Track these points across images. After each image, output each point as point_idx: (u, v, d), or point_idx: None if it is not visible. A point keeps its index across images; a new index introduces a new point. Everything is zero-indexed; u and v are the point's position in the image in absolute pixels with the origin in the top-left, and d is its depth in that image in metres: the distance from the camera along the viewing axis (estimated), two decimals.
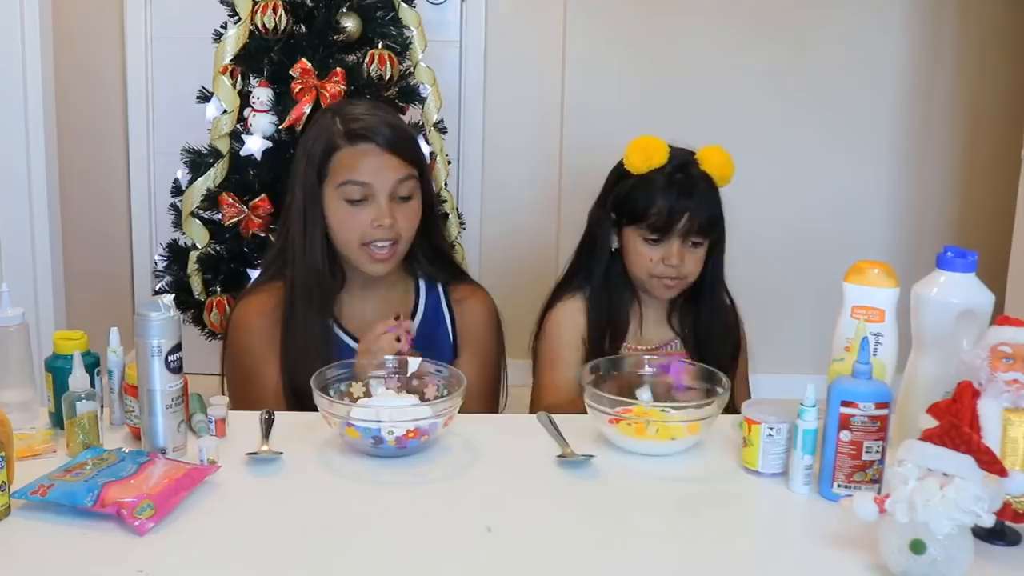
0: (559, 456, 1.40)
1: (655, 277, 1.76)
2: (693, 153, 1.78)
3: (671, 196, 1.73)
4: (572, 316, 1.82)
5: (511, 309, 1.89)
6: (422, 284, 1.80)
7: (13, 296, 1.47)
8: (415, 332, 1.71)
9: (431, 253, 1.80)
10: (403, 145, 1.69)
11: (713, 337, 1.81)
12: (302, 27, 2.56)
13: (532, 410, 1.80)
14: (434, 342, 1.77)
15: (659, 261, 1.75)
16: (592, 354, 1.77)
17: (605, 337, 1.80)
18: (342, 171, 1.65)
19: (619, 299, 1.81)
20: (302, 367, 1.59)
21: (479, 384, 1.75)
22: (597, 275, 1.81)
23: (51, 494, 1.20)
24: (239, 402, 1.68)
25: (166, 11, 3.50)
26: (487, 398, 1.79)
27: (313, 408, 1.44)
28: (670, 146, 1.78)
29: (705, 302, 1.82)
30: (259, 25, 2.49)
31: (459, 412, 1.44)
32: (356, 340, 1.72)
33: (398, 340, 1.61)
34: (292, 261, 1.71)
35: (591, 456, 1.39)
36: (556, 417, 1.52)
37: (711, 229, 1.76)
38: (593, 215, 1.84)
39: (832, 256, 3.03)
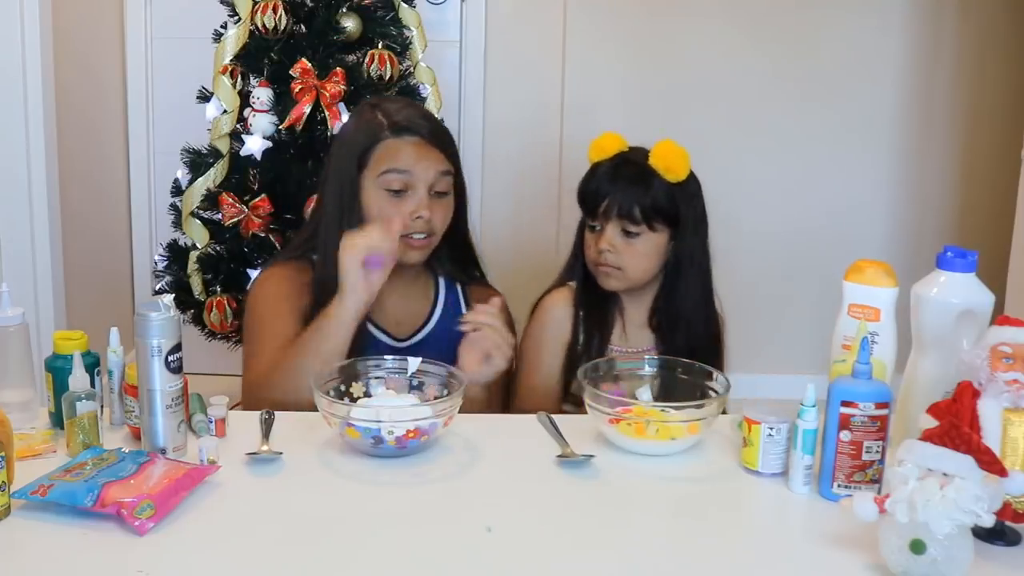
0: (559, 456, 1.40)
1: (595, 265, 1.77)
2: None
3: (601, 180, 1.76)
4: (558, 310, 1.81)
5: (510, 309, 1.89)
6: (442, 282, 1.82)
7: (13, 296, 1.47)
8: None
9: (456, 252, 1.81)
10: (444, 139, 1.73)
11: (676, 348, 1.73)
12: (302, 27, 2.56)
13: (509, 410, 1.80)
14: (453, 340, 1.77)
15: (595, 249, 1.76)
16: (578, 351, 1.77)
17: (592, 335, 1.79)
18: (385, 160, 1.67)
19: (603, 299, 1.81)
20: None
21: (494, 383, 1.74)
22: (577, 273, 1.83)
23: (51, 494, 1.20)
24: (250, 357, 1.69)
25: (166, 11, 3.50)
26: (498, 398, 1.80)
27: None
28: (638, 146, 1.79)
29: (671, 310, 1.79)
30: (259, 25, 2.49)
31: (469, 413, 1.44)
32: (380, 329, 1.74)
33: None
34: (323, 250, 1.70)
35: (591, 456, 1.39)
36: (556, 417, 1.52)
37: (647, 218, 1.73)
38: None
39: (832, 256, 3.04)
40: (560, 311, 1.82)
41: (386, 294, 1.75)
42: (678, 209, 1.75)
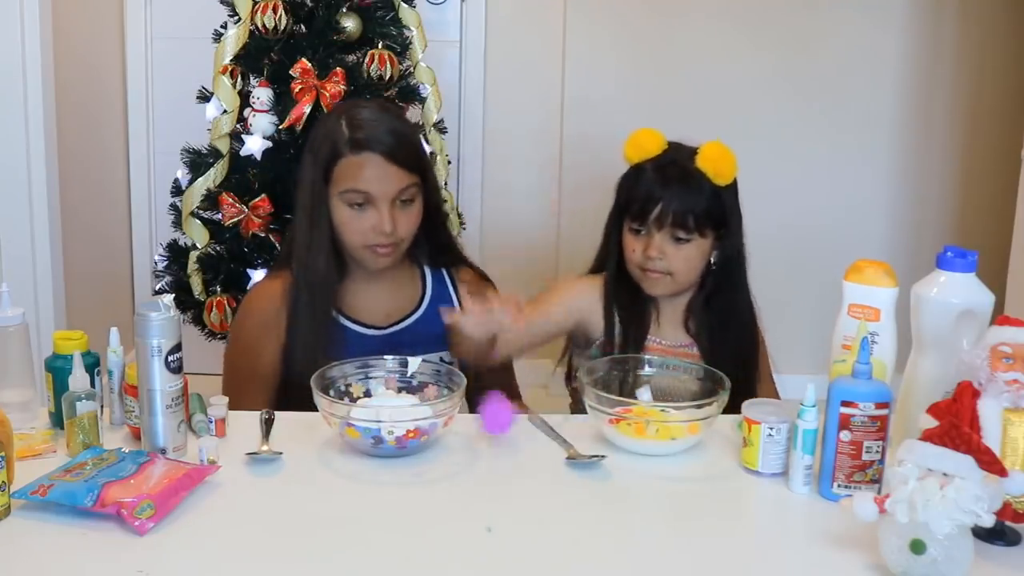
0: (568, 458, 1.39)
1: (640, 269, 1.74)
2: (696, 149, 1.74)
3: (650, 185, 1.71)
4: (587, 290, 1.79)
5: None
6: (427, 271, 1.84)
7: (13, 296, 1.47)
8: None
9: (435, 242, 1.82)
10: (405, 154, 1.70)
11: (725, 348, 1.74)
12: (302, 27, 2.56)
13: None
14: (443, 326, 1.78)
15: (642, 253, 1.72)
16: (616, 343, 1.75)
17: (629, 330, 1.76)
18: (344, 179, 1.68)
19: (636, 295, 1.77)
20: (305, 361, 1.62)
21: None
22: (610, 268, 1.79)
23: (51, 494, 1.20)
24: (229, 386, 1.74)
25: (166, 11, 3.50)
26: (508, 372, 1.84)
27: (310, 402, 1.44)
28: (677, 143, 1.76)
29: (715, 311, 1.77)
30: (259, 25, 2.49)
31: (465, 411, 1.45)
32: (365, 326, 1.75)
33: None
34: (296, 258, 1.75)
35: (602, 456, 1.38)
36: (551, 417, 1.52)
37: (699, 224, 1.70)
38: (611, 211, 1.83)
39: (832, 256, 3.03)
40: (589, 292, 1.79)
41: (373, 292, 1.77)
42: (725, 212, 1.74)
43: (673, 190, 1.70)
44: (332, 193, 1.70)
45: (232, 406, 1.49)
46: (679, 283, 1.75)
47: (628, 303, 1.78)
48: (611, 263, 1.79)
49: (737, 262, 1.77)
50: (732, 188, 1.76)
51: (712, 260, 1.76)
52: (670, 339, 1.79)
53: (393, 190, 1.67)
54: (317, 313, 1.71)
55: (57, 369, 1.43)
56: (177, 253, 2.69)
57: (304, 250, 1.73)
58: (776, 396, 1.83)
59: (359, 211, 1.68)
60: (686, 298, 1.80)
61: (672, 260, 1.71)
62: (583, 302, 1.79)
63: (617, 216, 1.79)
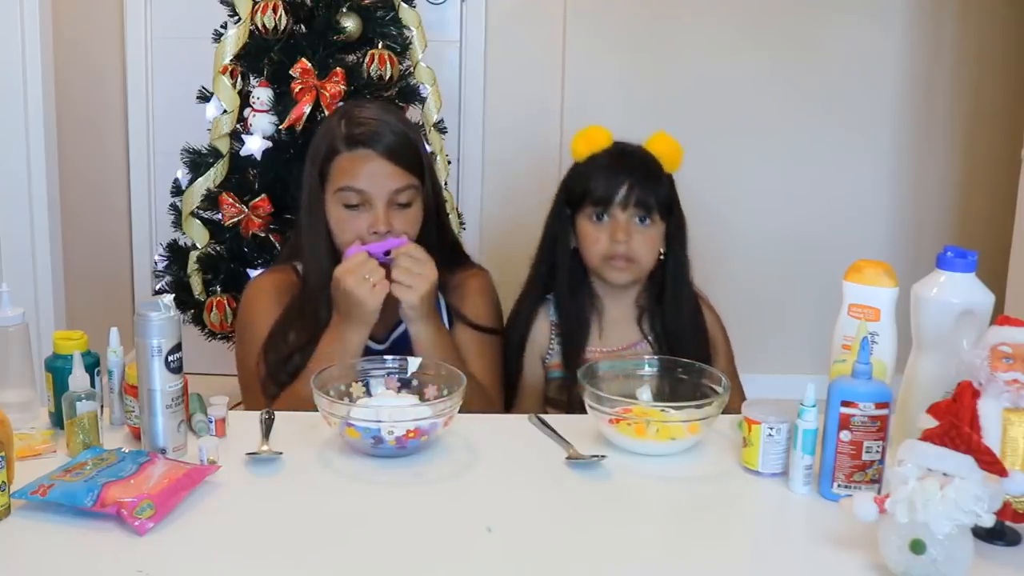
0: (568, 458, 1.39)
1: (605, 259, 1.74)
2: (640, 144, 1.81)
3: (611, 169, 1.76)
4: (535, 335, 1.82)
5: (510, 308, 1.90)
6: None
7: (13, 296, 1.47)
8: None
9: (433, 253, 1.79)
10: (403, 153, 1.66)
11: (681, 338, 1.77)
12: (302, 27, 2.56)
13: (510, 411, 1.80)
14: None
15: (607, 240, 1.73)
16: (552, 361, 1.80)
17: (569, 343, 1.78)
18: (340, 177, 1.65)
19: (579, 304, 1.79)
20: (282, 357, 1.63)
21: (479, 354, 1.74)
22: (561, 276, 1.81)
23: (51, 494, 1.20)
24: (248, 384, 1.71)
25: (166, 11, 3.50)
26: (489, 372, 1.75)
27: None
28: (623, 142, 1.81)
29: (669, 302, 1.79)
30: (259, 25, 2.50)
31: (463, 410, 1.45)
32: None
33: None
34: (302, 255, 1.75)
35: (603, 456, 1.38)
36: (551, 417, 1.52)
37: (658, 207, 1.74)
38: (550, 216, 1.86)
39: (832, 256, 3.03)
40: (538, 333, 1.82)
41: None
42: (676, 198, 1.79)
43: (634, 170, 1.75)
44: (328, 192, 1.66)
45: (255, 405, 1.48)
46: (643, 269, 1.77)
47: (569, 316, 1.79)
48: (563, 273, 1.80)
49: (682, 254, 1.80)
50: (673, 181, 1.80)
51: (662, 251, 1.78)
52: (616, 341, 1.80)
53: (389, 189, 1.64)
54: (311, 314, 1.68)
55: (57, 369, 1.43)
56: (177, 253, 2.70)
57: (309, 249, 1.71)
58: (739, 394, 1.84)
59: (354, 212, 1.65)
60: (634, 293, 1.81)
61: (635, 244, 1.74)
62: (540, 347, 1.81)
63: (567, 213, 1.81)
